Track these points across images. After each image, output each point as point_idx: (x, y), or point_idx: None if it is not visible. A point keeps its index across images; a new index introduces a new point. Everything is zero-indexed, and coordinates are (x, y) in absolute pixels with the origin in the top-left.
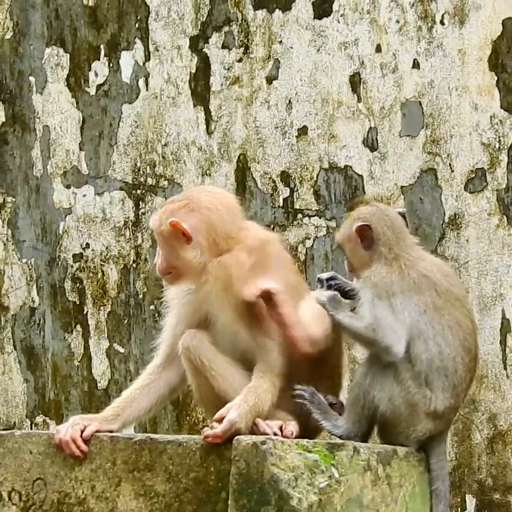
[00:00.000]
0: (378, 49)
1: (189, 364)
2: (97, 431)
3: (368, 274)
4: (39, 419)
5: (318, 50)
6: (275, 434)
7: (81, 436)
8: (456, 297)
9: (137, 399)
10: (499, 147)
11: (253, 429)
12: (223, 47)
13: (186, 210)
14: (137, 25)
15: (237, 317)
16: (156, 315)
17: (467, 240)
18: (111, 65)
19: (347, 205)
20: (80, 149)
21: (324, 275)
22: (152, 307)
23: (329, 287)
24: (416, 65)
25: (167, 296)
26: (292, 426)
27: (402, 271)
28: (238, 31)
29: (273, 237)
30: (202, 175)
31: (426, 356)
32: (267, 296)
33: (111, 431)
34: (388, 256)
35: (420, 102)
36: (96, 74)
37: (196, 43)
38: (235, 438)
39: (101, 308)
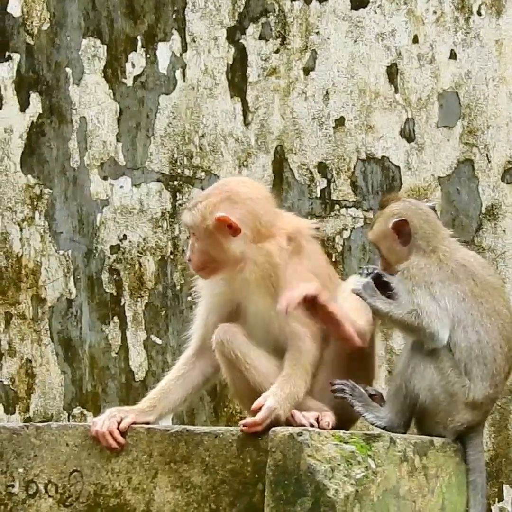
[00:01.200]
0: (415, 40)
1: (223, 358)
2: (134, 423)
3: (406, 266)
4: (76, 411)
5: (355, 41)
6: (311, 425)
7: (117, 428)
8: (493, 286)
9: (172, 390)
10: None
11: (290, 421)
12: (260, 38)
13: (230, 203)
14: (174, 16)
15: (272, 304)
16: (193, 306)
17: (504, 231)
18: (148, 56)
19: (379, 201)
20: (117, 140)
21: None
22: (189, 298)
23: (369, 275)
24: (453, 55)
25: (197, 285)
26: (328, 417)
27: (440, 262)
28: (275, 22)
29: (307, 224)
30: (239, 166)
31: (465, 344)
32: (310, 301)
33: (147, 423)
34: (426, 249)
35: (457, 93)
36: (133, 65)
37: (233, 34)
38: (271, 429)
39: (138, 299)
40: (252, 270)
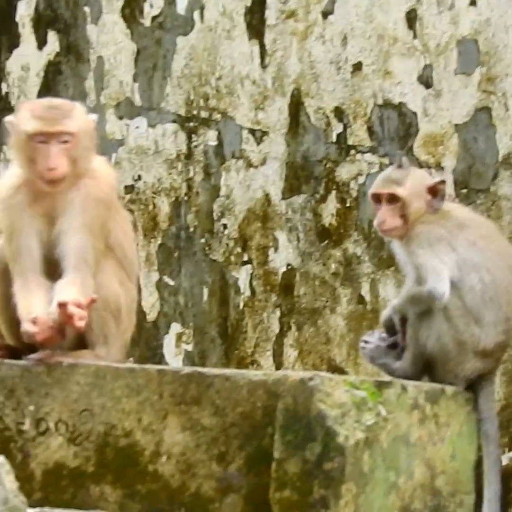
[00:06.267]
0: None
1: None
2: None
3: (416, 232)
4: None
5: None
6: None
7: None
8: (497, 230)
9: None
10: None
11: None
12: None
13: None
14: None
15: None
16: (206, 248)
17: None
18: None
19: (400, 143)
20: (134, 80)
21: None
22: (202, 240)
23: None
24: (473, 2)
25: None
26: None
27: (445, 218)
28: None
29: None
30: (256, 109)
31: (480, 287)
32: None
33: None
34: (439, 213)
35: (476, 40)
36: (151, 6)
37: None
38: (283, 374)
39: (152, 240)
40: None
